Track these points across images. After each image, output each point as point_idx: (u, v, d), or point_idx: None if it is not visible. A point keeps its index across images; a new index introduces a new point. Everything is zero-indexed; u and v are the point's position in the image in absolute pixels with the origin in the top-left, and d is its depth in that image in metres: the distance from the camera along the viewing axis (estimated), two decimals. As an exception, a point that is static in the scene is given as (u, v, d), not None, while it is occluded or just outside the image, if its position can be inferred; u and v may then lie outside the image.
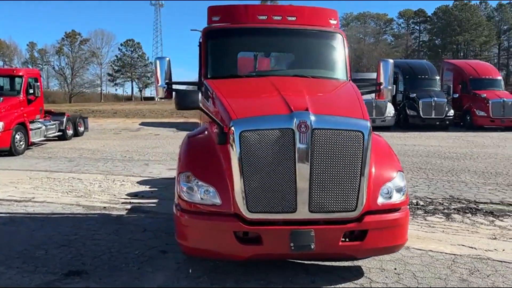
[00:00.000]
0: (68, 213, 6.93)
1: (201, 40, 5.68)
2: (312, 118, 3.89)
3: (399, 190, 4.27)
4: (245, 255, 4.00)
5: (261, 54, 5.83)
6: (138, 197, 8.26)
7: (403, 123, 23.07)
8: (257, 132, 3.92)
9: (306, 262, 4.64)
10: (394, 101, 23.63)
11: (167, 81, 5.52)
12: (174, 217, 4.41)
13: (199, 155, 4.44)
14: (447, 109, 22.34)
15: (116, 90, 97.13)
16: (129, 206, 7.44)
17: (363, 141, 3.99)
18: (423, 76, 24.15)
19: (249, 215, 3.95)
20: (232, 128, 3.97)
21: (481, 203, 7.82)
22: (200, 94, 4.15)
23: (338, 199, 3.98)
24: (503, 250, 5.39)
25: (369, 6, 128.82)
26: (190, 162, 4.38)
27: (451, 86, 24.32)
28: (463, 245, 5.53)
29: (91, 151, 14.91)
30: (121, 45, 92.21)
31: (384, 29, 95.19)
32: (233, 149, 3.97)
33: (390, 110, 22.32)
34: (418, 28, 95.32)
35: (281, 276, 4.36)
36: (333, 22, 5.82)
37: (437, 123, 22.19)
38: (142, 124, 27.49)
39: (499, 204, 7.79)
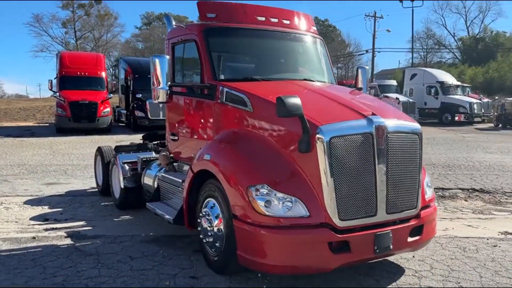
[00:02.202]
0: (-7, 250, 5.34)
1: (195, 39, 5.12)
2: (387, 123, 4.06)
3: (429, 185, 4.77)
4: (336, 264, 3.90)
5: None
6: (50, 221, 6.86)
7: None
8: (344, 137, 3.89)
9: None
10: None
11: (169, 83, 4.83)
12: (241, 233, 3.97)
13: (267, 165, 4.09)
14: None
15: None
16: (62, 233, 6.13)
17: (420, 142, 4.35)
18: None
19: (340, 224, 3.88)
20: (319, 135, 3.83)
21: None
22: (299, 99, 3.81)
23: (406, 198, 4.26)
24: (453, 228, 6.47)
25: (171, 8, 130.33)
26: (261, 173, 4.01)
27: None
28: (423, 229, 6.41)
29: None
30: None
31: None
32: (321, 156, 3.83)
33: None
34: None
35: (345, 279, 4.37)
36: (314, 28, 5.99)
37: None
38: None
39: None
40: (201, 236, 4.61)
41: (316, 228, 3.83)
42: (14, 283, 4.30)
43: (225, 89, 4.75)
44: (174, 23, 5.97)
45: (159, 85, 4.81)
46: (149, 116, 20.92)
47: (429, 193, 4.69)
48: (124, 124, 24.92)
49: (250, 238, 3.91)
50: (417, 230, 4.39)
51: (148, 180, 6.55)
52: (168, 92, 4.86)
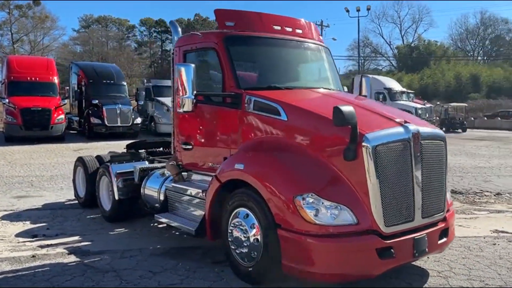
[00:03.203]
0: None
1: (215, 47, 5.03)
2: (420, 130, 4.23)
3: (447, 190, 5.00)
4: (381, 270, 3.99)
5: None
6: (40, 237, 6.44)
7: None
8: (387, 145, 4.00)
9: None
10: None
11: (195, 92, 4.72)
12: (287, 243, 3.95)
13: (309, 173, 4.09)
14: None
15: None
16: (61, 250, 5.76)
17: (445, 147, 4.57)
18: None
19: (386, 230, 3.98)
20: (365, 143, 3.91)
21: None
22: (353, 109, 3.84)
23: (437, 202, 4.45)
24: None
25: (110, 10, 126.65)
26: (306, 181, 4.02)
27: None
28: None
29: None
30: None
31: (127, 35, 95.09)
32: (367, 163, 3.91)
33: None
34: (159, 37, 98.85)
35: (378, 283, 4.45)
36: (321, 37, 6.09)
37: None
38: None
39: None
40: (232, 247, 4.53)
41: (365, 235, 3.90)
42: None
43: (253, 98, 4.71)
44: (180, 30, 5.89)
45: (185, 94, 4.68)
46: (106, 123, 20.16)
47: (449, 197, 4.92)
48: (76, 132, 23.83)
49: (298, 247, 3.89)
50: (444, 233, 4.58)
51: (150, 191, 6.33)
52: (194, 101, 4.74)
